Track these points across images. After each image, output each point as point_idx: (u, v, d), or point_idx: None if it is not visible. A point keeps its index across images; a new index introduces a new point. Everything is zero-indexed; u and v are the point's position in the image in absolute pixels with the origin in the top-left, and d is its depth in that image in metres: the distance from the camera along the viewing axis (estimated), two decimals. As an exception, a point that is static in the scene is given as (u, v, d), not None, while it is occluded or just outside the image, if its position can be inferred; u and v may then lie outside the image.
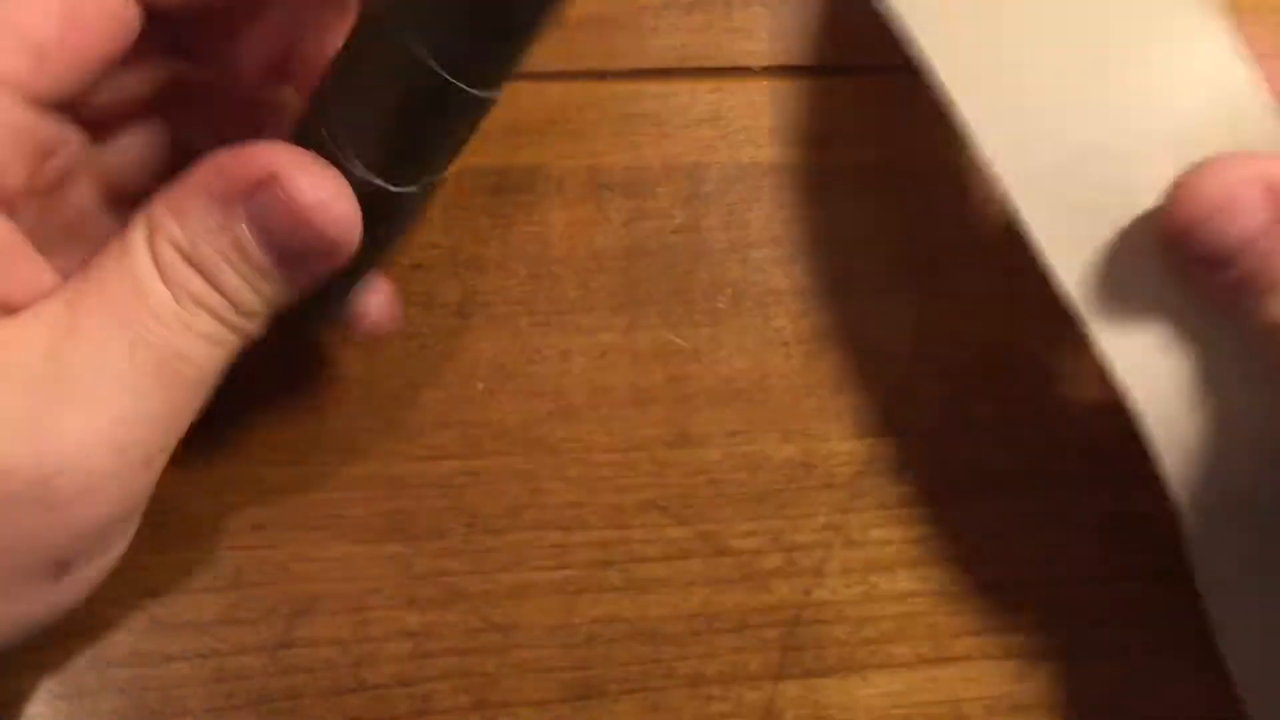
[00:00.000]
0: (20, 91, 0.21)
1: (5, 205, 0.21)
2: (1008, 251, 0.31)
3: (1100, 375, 0.31)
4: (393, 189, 0.22)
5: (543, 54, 0.30)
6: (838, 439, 0.31)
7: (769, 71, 0.31)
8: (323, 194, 0.21)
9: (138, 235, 0.21)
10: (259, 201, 0.21)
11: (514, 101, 0.30)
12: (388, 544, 0.29)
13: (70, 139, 0.23)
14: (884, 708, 0.31)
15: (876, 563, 0.31)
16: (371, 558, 0.29)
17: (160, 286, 0.21)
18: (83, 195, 0.24)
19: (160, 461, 0.21)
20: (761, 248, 0.31)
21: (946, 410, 0.31)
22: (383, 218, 0.23)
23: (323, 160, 0.21)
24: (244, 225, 0.21)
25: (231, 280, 0.21)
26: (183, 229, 0.21)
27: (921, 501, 0.31)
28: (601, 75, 0.30)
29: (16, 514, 0.19)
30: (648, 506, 0.30)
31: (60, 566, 0.20)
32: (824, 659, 0.31)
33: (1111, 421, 0.31)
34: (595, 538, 0.30)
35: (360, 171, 0.21)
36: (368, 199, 0.22)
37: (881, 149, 0.31)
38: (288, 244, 0.21)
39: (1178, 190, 0.23)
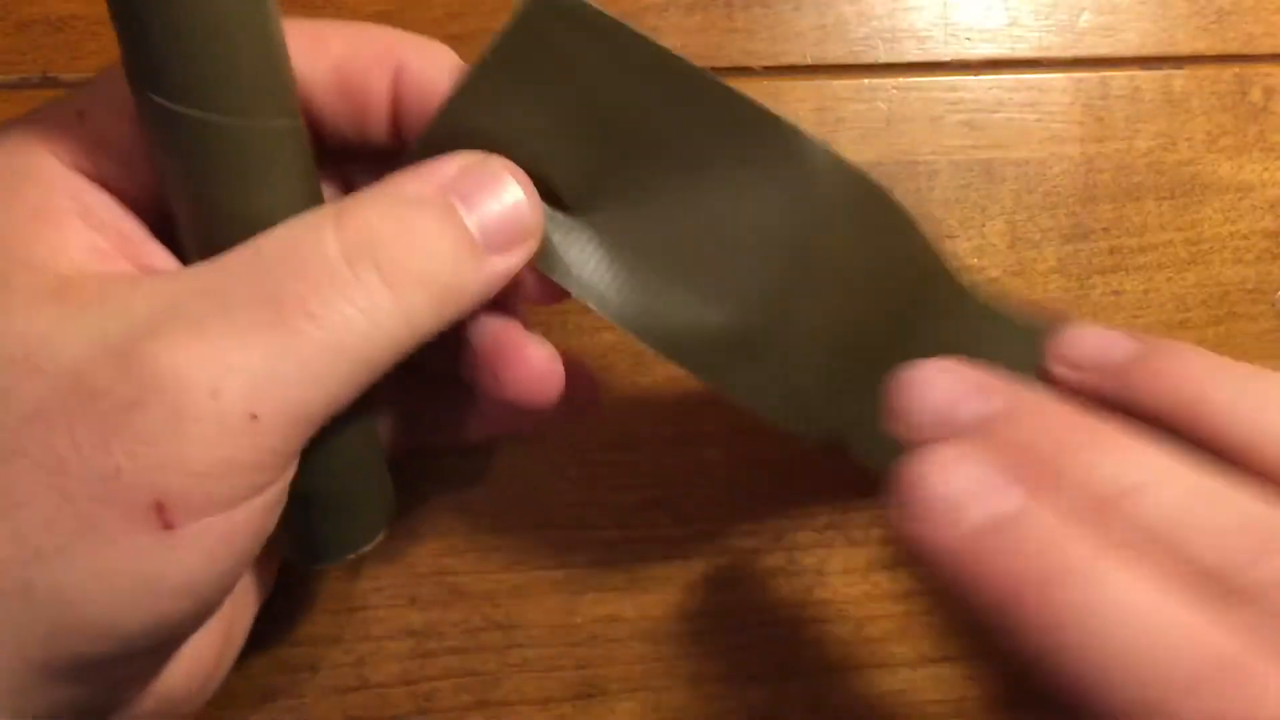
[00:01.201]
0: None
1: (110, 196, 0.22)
2: (1006, 253, 0.31)
3: (1101, 374, 0.31)
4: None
5: (544, 54, 0.31)
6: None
7: (770, 71, 0.31)
8: (516, 173, 0.22)
9: (324, 210, 0.21)
10: (468, 178, 0.21)
11: (515, 102, 0.30)
12: (390, 543, 0.29)
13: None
14: (886, 706, 0.31)
15: (878, 562, 0.31)
16: (374, 556, 0.29)
17: (330, 241, 0.20)
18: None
19: (273, 428, 0.19)
20: (762, 247, 0.31)
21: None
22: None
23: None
24: (455, 199, 0.21)
25: (429, 247, 0.20)
26: (385, 199, 0.21)
27: (923, 500, 0.31)
28: (602, 75, 0.30)
29: (102, 437, 0.18)
30: (649, 505, 0.30)
31: (162, 511, 0.19)
32: (826, 658, 0.31)
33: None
34: (597, 537, 0.30)
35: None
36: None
37: (881, 149, 0.31)
38: (495, 215, 0.21)
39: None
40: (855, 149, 0.31)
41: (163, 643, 0.21)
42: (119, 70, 0.21)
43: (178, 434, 0.18)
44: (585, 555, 0.28)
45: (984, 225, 0.31)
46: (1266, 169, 0.32)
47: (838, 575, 0.31)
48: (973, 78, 0.31)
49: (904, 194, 0.31)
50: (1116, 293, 0.31)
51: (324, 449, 0.22)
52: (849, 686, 0.31)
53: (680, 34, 0.31)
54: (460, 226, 0.21)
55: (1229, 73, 0.31)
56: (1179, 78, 0.31)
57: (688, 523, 0.30)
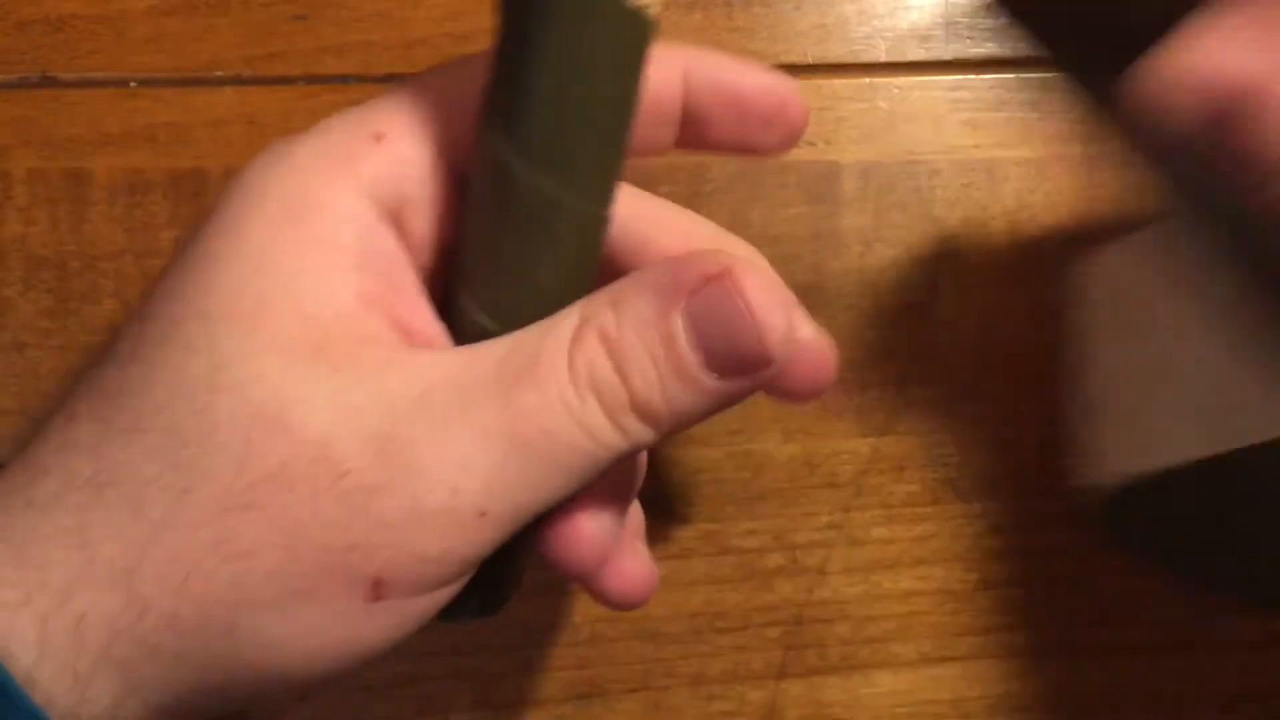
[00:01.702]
0: (452, 146, 0.21)
1: (409, 240, 0.22)
2: (1008, 251, 0.31)
3: (1103, 374, 0.31)
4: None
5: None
6: (840, 438, 0.31)
7: (770, 70, 0.31)
8: (771, 297, 0.21)
9: (570, 318, 0.21)
10: (704, 295, 0.20)
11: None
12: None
13: None
14: (886, 706, 0.31)
15: (879, 561, 0.31)
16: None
17: (561, 364, 0.20)
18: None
19: (496, 523, 0.20)
20: (762, 247, 0.31)
21: (947, 411, 0.31)
22: None
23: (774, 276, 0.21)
24: (680, 319, 0.20)
25: (644, 376, 0.20)
26: (616, 315, 0.21)
27: (923, 500, 0.31)
28: (603, 75, 0.30)
29: (344, 513, 0.19)
30: (649, 505, 0.30)
31: (378, 586, 0.20)
32: (826, 658, 0.31)
33: (1114, 420, 0.31)
34: (597, 537, 0.30)
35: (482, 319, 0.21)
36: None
37: (883, 148, 0.31)
38: (723, 343, 0.20)
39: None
40: (856, 149, 0.31)
41: (323, 688, 0.22)
42: (419, 90, 0.21)
43: (417, 524, 0.19)
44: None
45: (986, 225, 0.31)
46: (1269, 168, 0.31)
47: (838, 575, 0.31)
48: (975, 77, 0.31)
49: (905, 193, 0.31)
50: (1118, 292, 0.31)
51: None
52: (849, 686, 0.31)
53: (680, 33, 0.31)
54: (677, 352, 0.20)
55: (1231, 71, 0.31)
56: (1181, 76, 0.31)
57: (689, 522, 0.30)
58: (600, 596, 0.24)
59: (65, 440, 0.20)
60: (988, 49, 0.31)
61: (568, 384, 0.20)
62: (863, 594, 0.31)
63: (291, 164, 0.21)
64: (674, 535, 0.30)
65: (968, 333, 0.31)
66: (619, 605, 0.25)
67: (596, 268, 0.22)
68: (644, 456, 0.26)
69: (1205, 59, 0.20)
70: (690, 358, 0.20)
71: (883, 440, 0.31)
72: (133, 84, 0.30)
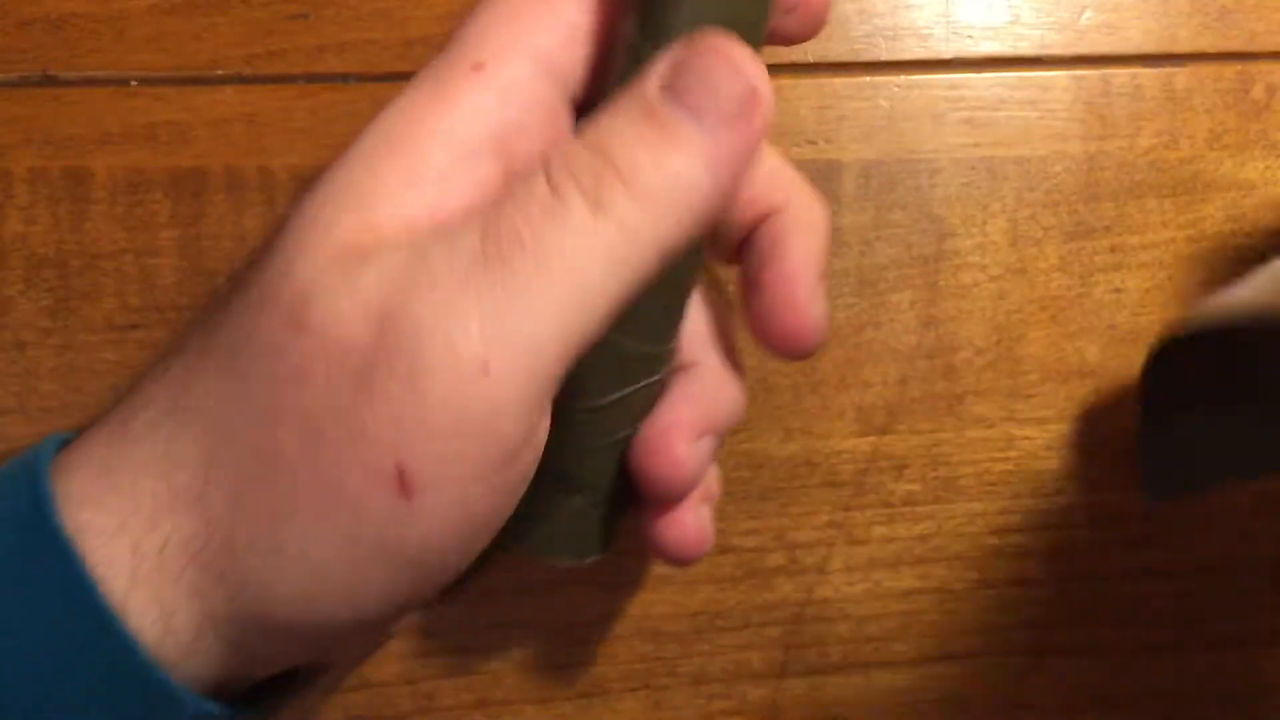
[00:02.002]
0: (551, 67, 0.21)
1: (514, 166, 0.21)
2: (1008, 250, 0.31)
3: (1098, 376, 0.31)
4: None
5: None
6: (840, 437, 0.31)
7: (771, 70, 0.31)
8: (740, 49, 0.20)
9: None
10: (673, 69, 0.20)
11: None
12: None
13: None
14: (887, 705, 0.31)
15: (879, 560, 0.31)
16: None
17: (537, 178, 0.19)
18: None
19: (505, 378, 0.19)
20: (763, 246, 0.31)
21: (947, 410, 0.31)
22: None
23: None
24: (657, 94, 0.19)
25: (631, 151, 0.19)
26: (591, 120, 0.20)
27: (923, 500, 0.31)
28: (603, 74, 0.30)
29: (351, 396, 0.18)
30: (650, 505, 0.30)
31: (401, 477, 0.19)
32: (827, 656, 0.31)
33: (1112, 421, 0.31)
34: (598, 536, 0.30)
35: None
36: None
37: (883, 147, 0.31)
38: (706, 91, 0.19)
39: None
40: (857, 147, 0.31)
41: (389, 618, 0.21)
42: (514, 12, 0.21)
43: (415, 389, 0.18)
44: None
45: (986, 223, 0.31)
46: (1268, 167, 0.32)
47: (838, 574, 0.31)
48: (975, 75, 0.31)
49: (905, 191, 0.31)
50: (1118, 290, 0.31)
51: (598, 452, 0.23)
52: (849, 686, 0.31)
53: None
54: (660, 118, 0.19)
55: (1231, 70, 0.31)
56: (1181, 75, 0.31)
57: (689, 521, 0.30)
58: (657, 544, 0.24)
59: (165, 371, 0.20)
60: (988, 48, 0.31)
61: (543, 187, 0.19)
62: (863, 593, 0.31)
63: (400, 104, 0.21)
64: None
65: (967, 332, 0.31)
66: (673, 556, 0.24)
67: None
68: (738, 391, 0.25)
69: None
70: (676, 115, 0.19)
71: (883, 440, 0.31)
72: (133, 83, 0.30)
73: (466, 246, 0.19)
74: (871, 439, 0.31)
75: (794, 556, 0.31)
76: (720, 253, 0.25)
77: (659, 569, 0.30)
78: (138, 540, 0.19)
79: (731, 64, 0.20)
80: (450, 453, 0.19)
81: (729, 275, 0.26)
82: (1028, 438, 0.31)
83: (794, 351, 0.24)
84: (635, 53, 0.21)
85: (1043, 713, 0.31)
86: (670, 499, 0.24)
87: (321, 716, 0.30)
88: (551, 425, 0.21)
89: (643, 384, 0.23)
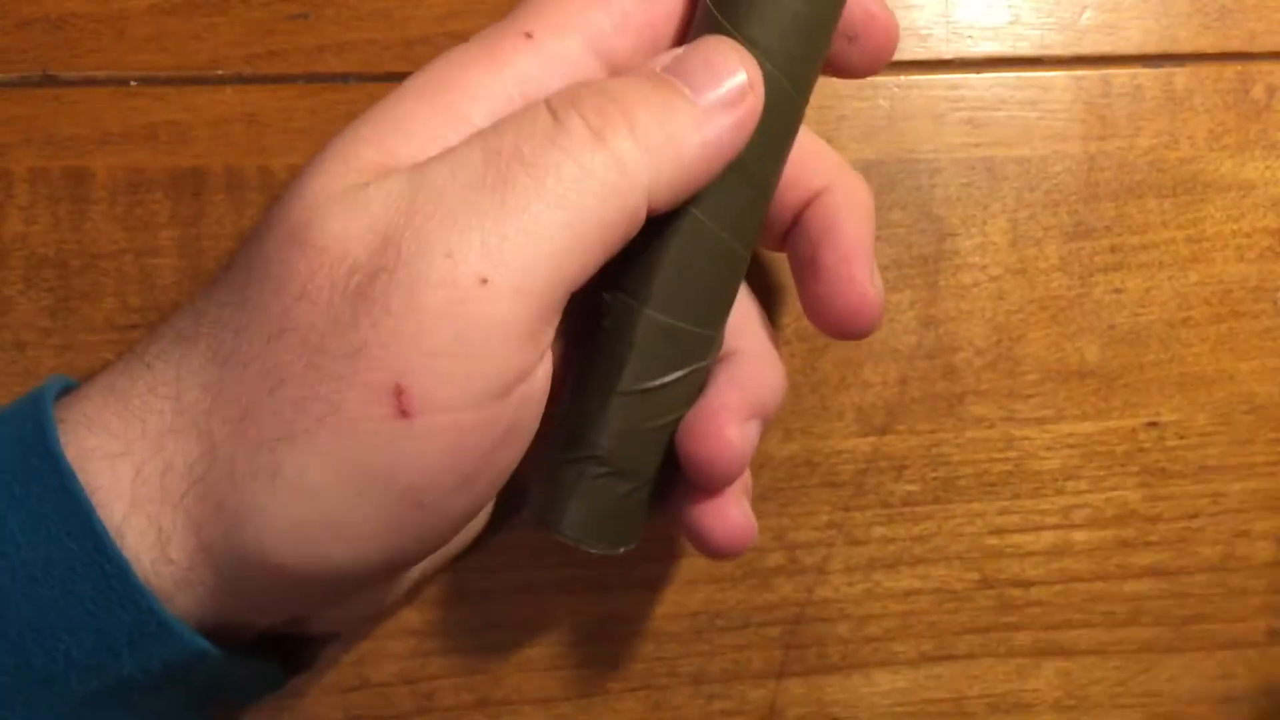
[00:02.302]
0: (598, 46, 0.22)
1: None
2: (1008, 250, 0.31)
3: (1098, 376, 0.31)
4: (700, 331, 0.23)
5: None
6: (840, 437, 0.31)
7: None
8: (737, 49, 0.21)
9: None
10: (678, 54, 0.21)
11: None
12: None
13: None
14: (887, 705, 0.31)
15: (879, 560, 0.31)
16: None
17: (539, 106, 0.20)
18: None
19: (501, 294, 0.19)
20: (763, 246, 0.31)
21: (947, 410, 0.31)
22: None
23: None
24: (663, 69, 0.21)
25: (631, 94, 0.20)
26: (596, 81, 0.21)
27: (923, 500, 0.31)
28: (603, 74, 0.30)
29: (352, 312, 0.19)
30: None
31: (399, 396, 0.19)
32: (827, 656, 0.31)
33: (1112, 421, 0.31)
34: (598, 536, 0.30)
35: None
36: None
37: (883, 147, 0.31)
38: (706, 74, 0.21)
39: None
40: (857, 147, 0.31)
41: (387, 567, 0.21)
42: None
43: (414, 300, 0.19)
44: (585, 554, 0.28)
45: (986, 223, 0.31)
46: (1269, 167, 0.32)
47: (838, 574, 0.31)
48: (974, 75, 0.31)
49: (905, 191, 0.31)
50: (1118, 291, 0.31)
51: (644, 436, 0.23)
52: (849, 686, 0.31)
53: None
54: (664, 84, 0.21)
55: (1231, 70, 0.31)
56: (1181, 75, 0.31)
57: (689, 521, 0.30)
58: (704, 537, 0.24)
59: (187, 307, 0.21)
60: (988, 48, 0.31)
61: (545, 115, 0.20)
62: (863, 593, 0.31)
63: (450, 59, 0.22)
64: (675, 534, 0.30)
65: (967, 332, 0.31)
66: (720, 548, 0.24)
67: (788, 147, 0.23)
68: (780, 375, 0.25)
69: None
70: (674, 81, 0.21)
71: (883, 440, 0.31)
72: (133, 83, 0.30)
73: (469, 164, 0.19)
74: (871, 439, 0.31)
75: (793, 557, 0.31)
76: (767, 240, 0.26)
77: (658, 569, 0.30)
78: (141, 463, 0.19)
79: (730, 57, 0.21)
80: (447, 372, 0.19)
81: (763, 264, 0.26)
82: (1027, 438, 0.31)
83: (857, 329, 0.24)
84: (708, 25, 0.22)
85: (1043, 713, 0.31)
86: (719, 484, 0.24)
87: (321, 716, 0.30)
88: (599, 408, 0.22)
89: (693, 367, 0.23)
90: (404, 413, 0.19)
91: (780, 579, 0.31)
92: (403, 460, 0.19)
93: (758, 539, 0.30)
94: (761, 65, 0.22)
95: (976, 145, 0.31)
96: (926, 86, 0.31)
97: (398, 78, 0.30)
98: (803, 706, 0.31)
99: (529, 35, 0.21)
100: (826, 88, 0.31)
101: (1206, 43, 0.31)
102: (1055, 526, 0.31)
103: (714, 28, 0.22)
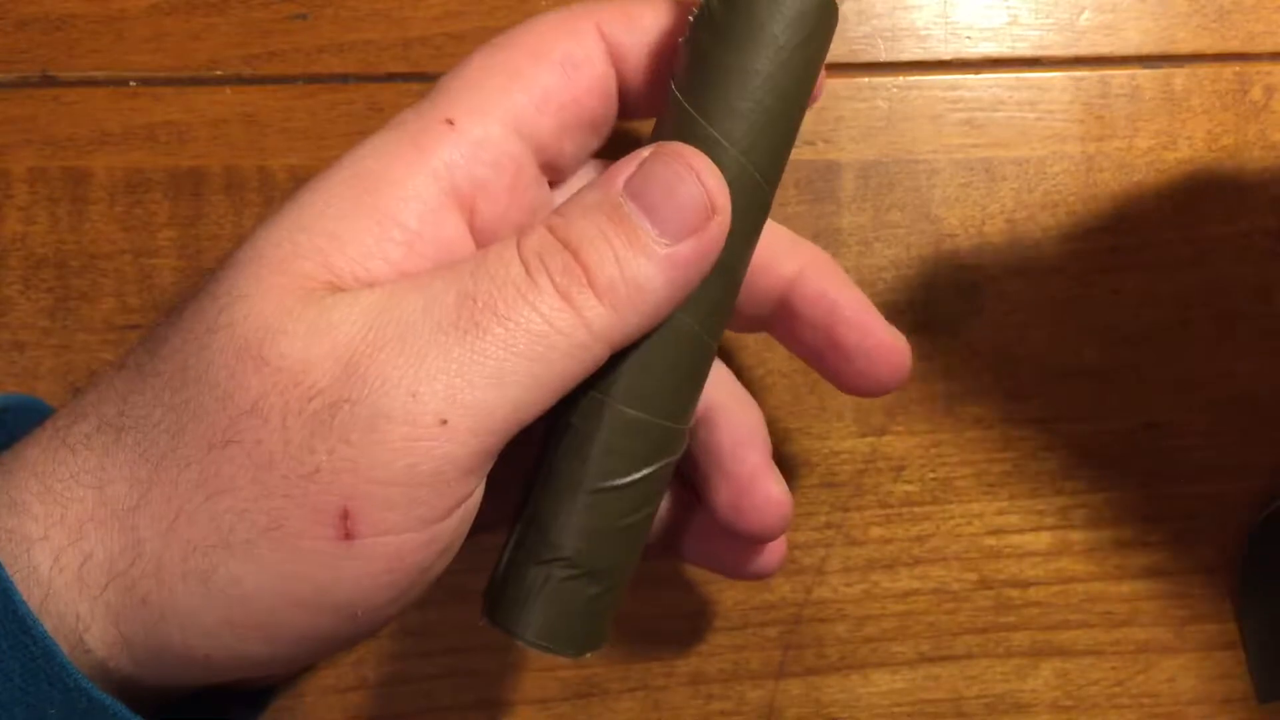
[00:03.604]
0: (522, 128, 0.22)
1: (477, 222, 0.22)
2: (1006, 250, 0.31)
3: (1097, 376, 0.31)
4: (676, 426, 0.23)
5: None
6: (839, 437, 0.31)
7: None
8: (702, 158, 0.21)
9: (512, 231, 0.21)
10: (641, 171, 0.21)
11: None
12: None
13: (542, 192, 0.23)
14: (885, 705, 0.31)
15: (877, 561, 0.31)
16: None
17: (511, 254, 0.20)
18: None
19: (458, 435, 0.19)
20: (762, 246, 0.31)
21: (945, 410, 0.31)
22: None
23: None
24: (624, 196, 0.21)
25: (595, 249, 0.20)
26: (561, 213, 0.21)
27: (922, 500, 0.31)
28: (602, 74, 0.30)
29: (309, 435, 0.19)
30: (649, 505, 0.30)
31: (345, 520, 0.19)
32: (825, 657, 0.31)
33: (1110, 422, 0.31)
34: (596, 536, 0.30)
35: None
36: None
37: (882, 147, 0.31)
38: (668, 201, 0.21)
39: None
40: (855, 148, 0.31)
41: (303, 660, 0.21)
42: (486, 69, 0.22)
43: (374, 434, 0.19)
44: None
45: (984, 224, 0.31)
46: (1267, 167, 0.31)
47: (837, 574, 0.31)
48: (973, 76, 0.31)
49: (904, 192, 0.31)
50: (1117, 291, 0.31)
51: (615, 535, 0.23)
52: (847, 686, 0.31)
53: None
54: (625, 222, 0.21)
55: (1229, 71, 0.31)
56: (1179, 76, 0.31)
57: (687, 522, 0.30)
58: (746, 520, 0.24)
59: (106, 388, 0.21)
60: (986, 49, 0.31)
61: (517, 266, 0.20)
62: (861, 593, 0.31)
63: (369, 150, 0.21)
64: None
65: (966, 332, 0.31)
66: (760, 534, 0.25)
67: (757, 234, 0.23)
68: (757, 409, 0.26)
69: None
70: (639, 222, 0.21)
71: (882, 440, 0.31)
72: (132, 83, 0.30)
73: (441, 305, 0.20)
74: (869, 440, 0.31)
75: (792, 557, 0.31)
76: (735, 324, 0.26)
77: (657, 569, 0.30)
78: (59, 550, 0.19)
79: (693, 174, 0.21)
80: (396, 499, 0.19)
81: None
82: (1025, 438, 0.31)
83: (898, 377, 0.24)
84: (677, 117, 0.22)
85: (1041, 713, 0.31)
86: (777, 536, 0.25)
87: (321, 716, 0.30)
88: (567, 508, 0.22)
89: (664, 462, 0.23)
90: (348, 535, 0.19)
91: (779, 579, 0.31)
92: (341, 578, 0.19)
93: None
94: (730, 157, 0.22)
95: (975, 146, 0.31)
96: (925, 87, 0.31)
97: (397, 78, 0.30)
98: (801, 707, 0.31)
99: (450, 122, 0.21)
100: (827, 86, 0.31)
101: (1205, 43, 0.31)
102: (1053, 527, 0.31)
103: (680, 118, 0.22)
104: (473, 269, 0.20)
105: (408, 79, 0.30)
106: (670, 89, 0.23)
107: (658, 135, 0.23)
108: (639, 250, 0.20)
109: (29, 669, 0.19)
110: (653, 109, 0.24)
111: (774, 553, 0.26)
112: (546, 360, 0.20)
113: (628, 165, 0.21)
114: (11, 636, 0.19)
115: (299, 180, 0.30)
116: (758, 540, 0.25)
